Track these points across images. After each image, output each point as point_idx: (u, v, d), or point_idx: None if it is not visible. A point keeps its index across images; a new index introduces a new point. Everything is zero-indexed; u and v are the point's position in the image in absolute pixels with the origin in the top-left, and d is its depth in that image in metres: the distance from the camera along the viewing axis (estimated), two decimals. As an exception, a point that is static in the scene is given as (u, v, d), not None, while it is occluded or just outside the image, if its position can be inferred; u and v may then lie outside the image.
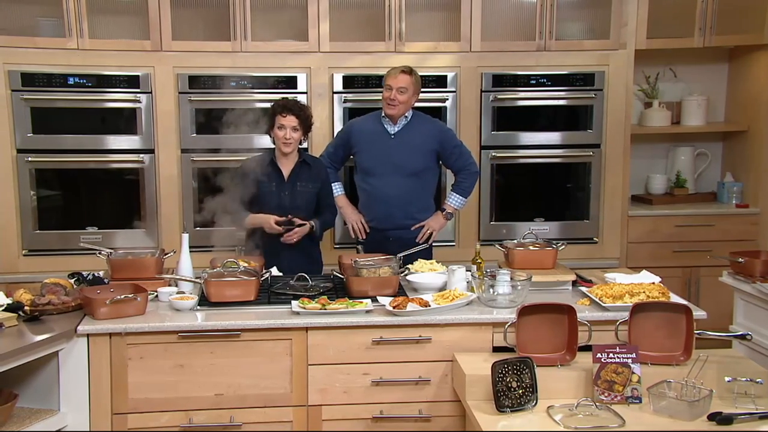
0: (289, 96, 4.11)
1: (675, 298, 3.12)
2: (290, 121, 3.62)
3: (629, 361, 2.71)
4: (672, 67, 5.19)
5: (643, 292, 3.10)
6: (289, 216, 3.62)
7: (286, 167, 3.71)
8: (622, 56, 4.67)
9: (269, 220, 3.61)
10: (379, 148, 3.90)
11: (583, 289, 3.28)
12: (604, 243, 4.78)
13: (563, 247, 3.52)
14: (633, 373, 2.70)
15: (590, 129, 4.72)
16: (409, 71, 3.85)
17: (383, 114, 3.93)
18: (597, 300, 3.11)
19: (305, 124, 3.68)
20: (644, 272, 3.43)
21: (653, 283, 3.24)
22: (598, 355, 2.72)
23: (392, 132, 3.92)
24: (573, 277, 3.38)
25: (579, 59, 4.65)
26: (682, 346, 2.87)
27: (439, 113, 4.53)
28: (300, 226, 3.63)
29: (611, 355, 2.72)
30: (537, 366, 2.70)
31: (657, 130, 5.10)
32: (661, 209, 4.93)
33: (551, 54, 4.62)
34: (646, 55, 4.80)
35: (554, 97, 4.67)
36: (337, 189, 4.03)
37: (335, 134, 4.31)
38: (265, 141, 4.16)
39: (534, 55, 4.62)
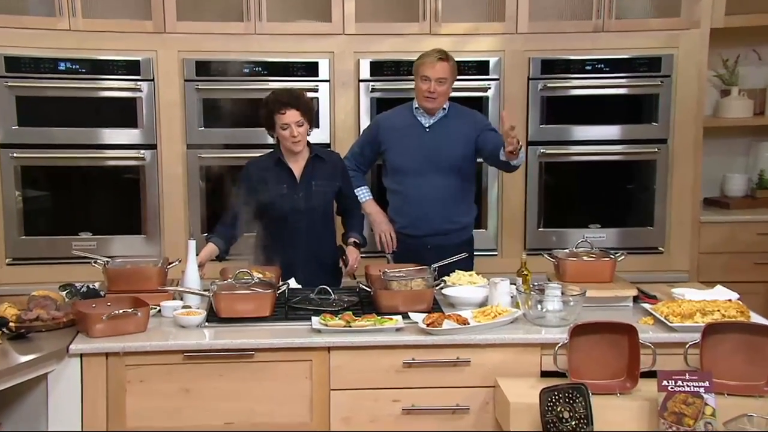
0: (292, 85, 4.14)
1: (756, 318, 3.11)
2: (292, 116, 3.60)
3: (701, 390, 2.69)
4: (755, 48, 5.14)
5: (718, 310, 3.08)
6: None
7: (297, 166, 3.74)
8: (694, 36, 4.66)
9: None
10: (412, 143, 3.93)
11: (647, 306, 3.28)
12: (671, 253, 4.77)
13: (623, 257, 3.52)
14: (706, 404, 2.68)
15: (656, 122, 4.71)
16: (445, 57, 3.87)
17: (416, 105, 3.96)
18: (663, 319, 3.11)
19: (309, 113, 3.66)
20: (719, 287, 3.43)
21: (730, 300, 3.23)
22: (665, 382, 2.71)
23: (427, 125, 3.96)
24: (634, 292, 3.38)
25: (643, 41, 4.64)
26: (766, 374, 2.85)
27: (479, 104, 4.55)
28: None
29: (680, 382, 2.71)
30: (592, 394, 2.70)
31: (736, 122, 5.06)
32: (740, 214, 4.90)
33: (610, 35, 4.62)
34: (724, 34, 4.75)
35: (614, 85, 4.67)
36: (364, 193, 4.06)
37: (360, 131, 4.36)
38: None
39: (590, 37, 4.63)
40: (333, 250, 3.82)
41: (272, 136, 3.77)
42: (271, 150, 3.83)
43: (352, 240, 3.80)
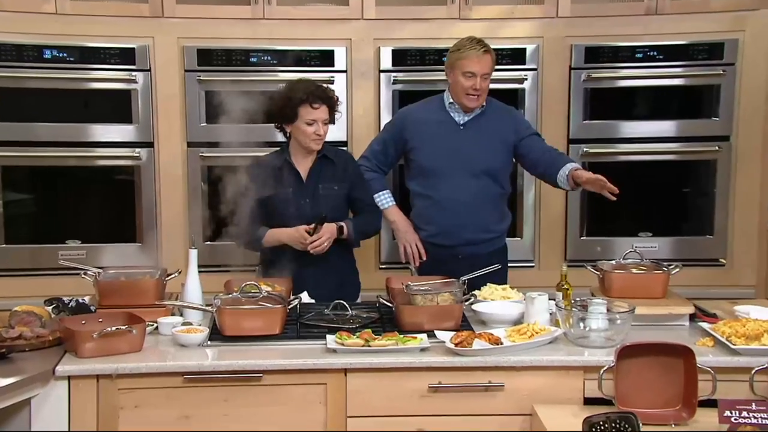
0: (307, 76, 4.18)
1: (832, 341, 3.11)
2: (323, 112, 3.69)
3: (771, 423, 2.70)
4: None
5: (789, 331, 3.09)
6: (322, 217, 3.67)
7: (304, 166, 3.80)
8: (764, 18, 4.64)
9: (297, 235, 3.68)
10: (444, 142, 3.94)
11: (705, 325, 3.28)
12: (734, 266, 4.77)
13: (678, 270, 3.53)
14: (776, 438, 2.69)
15: (716, 116, 4.70)
16: (488, 49, 3.87)
17: (449, 100, 3.99)
18: (724, 340, 3.11)
19: (335, 113, 3.78)
20: (790, 305, 3.44)
21: (803, 320, 3.23)
22: (727, 413, 2.71)
23: (461, 122, 3.98)
24: (691, 310, 3.39)
25: (703, 24, 4.64)
26: None
27: (514, 97, 4.58)
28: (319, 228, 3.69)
29: (745, 413, 2.70)
30: (643, 424, 2.71)
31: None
32: (815, 222, 4.89)
33: (665, 18, 4.63)
34: (800, 14, 4.74)
35: (668, 75, 4.68)
36: (387, 199, 4.07)
37: (381, 127, 4.38)
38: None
39: (641, 21, 4.64)
40: (349, 264, 3.85)
41: (283, 131, 3.81)
42: (278, 149, 3.87)
43: (339, 223, 3.77)
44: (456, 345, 3.04)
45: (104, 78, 4.54)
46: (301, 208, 3.76)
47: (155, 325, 3.24)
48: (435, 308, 3.28)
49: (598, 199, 4.67)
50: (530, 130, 4.03)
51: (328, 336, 3.12)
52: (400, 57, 4.60)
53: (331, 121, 3.79)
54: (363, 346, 3.05)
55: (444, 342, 3.09)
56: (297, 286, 3.65)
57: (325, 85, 3.85)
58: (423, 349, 3.07)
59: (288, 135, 3.80)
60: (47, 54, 4.48)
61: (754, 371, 2.89)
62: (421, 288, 3.37)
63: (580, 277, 3.60)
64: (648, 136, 4.71)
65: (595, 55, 4.64)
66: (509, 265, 4.12)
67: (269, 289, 3.42)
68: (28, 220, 4.67)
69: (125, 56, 4.51)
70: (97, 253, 4.55)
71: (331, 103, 3.73)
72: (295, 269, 3.71)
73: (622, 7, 4.65)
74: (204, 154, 4.58)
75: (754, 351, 3.02)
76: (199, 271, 3.44)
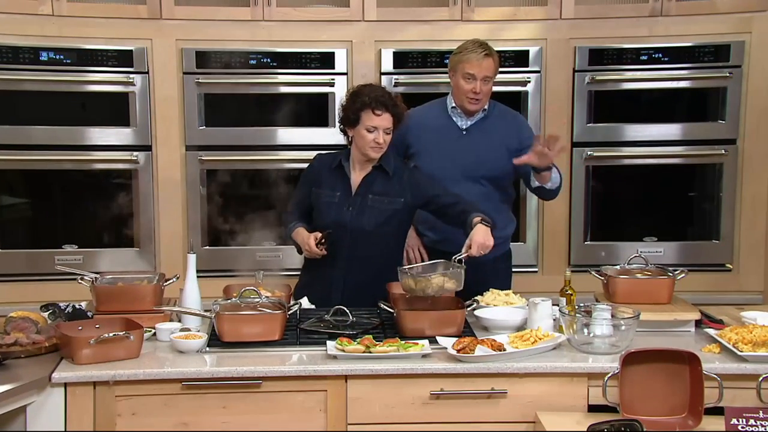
0: (307, 78, 4.15)
1: (841, 347, 3.11)
2: (385, 120, 3.62)
3: (777, 429, 2.70)
4: None
5: (796, 337, 3.09)
6: (329, 232, 3.63)
7: (357, 173, 3.75)
8: (770, 19, 4.66)
9: (306, 240, 3.65)
10: (447, 147, 3.94)
11: (711, 331, 3.29)
12: (740, 271, 4.77)
13: (683, 275, 3.53)
14: (783, 446, 2.69)
15: (723, 119, 4.71)
16: (490, 52, 3.86)
17: (452, 104, 3.99)
18: (730, 347, 3.11)
19: (399, 123, 3.69)
20: (797, 311, 3.44)
21: (810, 325, 3.24)
22: (734, 420, 2.72)
23: (464, 126, 3.98)
24: (697, 316, 3.39)
25: (709, 26, 4.65)
26: None
27: (517, 100, 4.58)
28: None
29: (752, 421, 2.71)
30: (648, 432, 2.73)
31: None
32: (824, 226, 4.89)
33: (670, 20, 4.63)
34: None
35: (674, 78, 4.68)
36: None
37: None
38: (296, 136, 4.23)
39: (646, 23, 4.64)
40: (380, 282, 3.69)
41: (345, 135, 3.75)
42: (343, 149, 3.83)
43: (477, 219, 3.51)
44: (458, 351, 3.04)
45: (102, 80, 4.54)
46: (342, 215, 3.71)
47: (153, 331, 3.25)
48: (437, 314, 3.28)
49: (603, 203, 4.72)
50: (531, 140, 4.02)
51: (328, 342, 3.12)
52: (402, 59, 4.61)
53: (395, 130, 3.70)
54: (364, 352, 3.05)
55: (446, 348, 3.09)
56: (322, 293, 3.67)
57: (395, 92, 3.76)
58: (425, 356, 3.08)
59: (350, 139, 3.75)
60: (44, 56, 4.48)
61: (761, 378, 2.89)
62: (415, 270, 3.40)
63: (584, 283, 3.62)
64: (653, 140, 4.71)
65: (600, 57, 4.65)
66: (513, 269, 4.12)
67: (268, 294, 3.43)
68: (24, 224, 4.68)
69: (123, 58, 4.52)
70: (94, 258, 4.56)
71: (396, 111, 3.64)
72: (323, 275, 3.73)
73: (627, 8, 4.65)
74: (202, 158, 4.58)
75: (762, 358, 3.02)
76: (198, 277, 3.44)
